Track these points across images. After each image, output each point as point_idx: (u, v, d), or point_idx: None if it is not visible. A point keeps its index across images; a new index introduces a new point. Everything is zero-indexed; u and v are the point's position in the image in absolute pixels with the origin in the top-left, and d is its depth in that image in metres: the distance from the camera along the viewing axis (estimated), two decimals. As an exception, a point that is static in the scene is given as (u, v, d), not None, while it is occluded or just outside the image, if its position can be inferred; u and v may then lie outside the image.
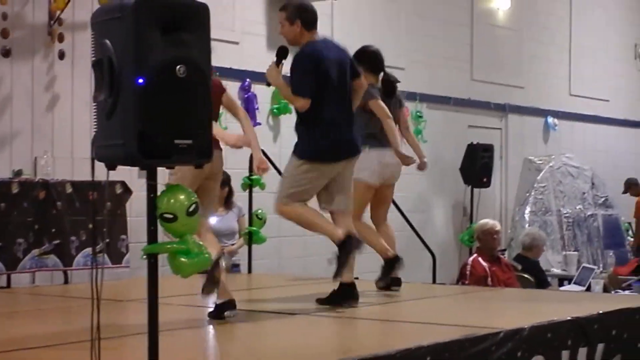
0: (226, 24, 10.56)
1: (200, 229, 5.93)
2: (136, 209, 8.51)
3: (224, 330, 5.83)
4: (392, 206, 10.17)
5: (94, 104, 3.92)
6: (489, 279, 9.21)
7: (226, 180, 9.37)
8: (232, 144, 6.41)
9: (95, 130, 3.93)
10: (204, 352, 5.28)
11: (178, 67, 3.80)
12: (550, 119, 15.95)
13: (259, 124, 10.99)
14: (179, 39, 3.85)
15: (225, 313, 5.89)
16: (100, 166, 3.92)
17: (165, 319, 5.22)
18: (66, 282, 8.46)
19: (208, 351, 5.36)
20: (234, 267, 9.46)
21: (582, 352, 5.66)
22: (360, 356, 4.36)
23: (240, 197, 9.75)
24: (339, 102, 6.51)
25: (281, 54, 6.50)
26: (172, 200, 3.87)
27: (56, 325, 6.00)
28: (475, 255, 9.67)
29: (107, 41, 3.79)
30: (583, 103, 16.71)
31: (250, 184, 9.65)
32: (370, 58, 7.59)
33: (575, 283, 10.78)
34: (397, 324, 6.16)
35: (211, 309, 5.99)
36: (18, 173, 8.45)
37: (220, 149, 6.17)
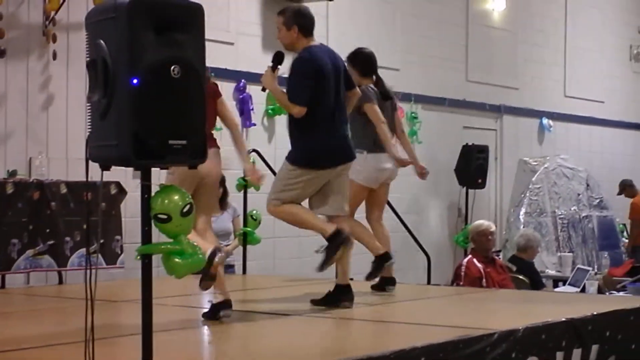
0: (221, 24, 10.55)
1: (204, 227, 5.95)
2: (131, 209, 8.51)
3: (218, 330, 5.83)
4: (387, 207, 10.21)
5: (88, 104, 3.92)
6: (484, 280, 9.21)
7: (221, 181, 9.37)
8: None
9: (89, 130, 3.92)
10: (198, 352, 5.27)
11: (172, 67, 3.80)
12: (545, 120, 15.97)
13: (254, 124, 11.00)
14: (173, 40, 3.85)
15: (220, 313, 5.88)
16: (95, 167, 3.92)
17: (160, 320, 5.21)
18: (61, 282, 8.45)
19: (202, 352, 5.36)
20: (229, 268, 9.44)
21: (577, 353, 5.66)
22: (355, 357, 4.36)
23: (235, 198, 9.75)
24: (334, 108, 6.49)
25: (277, 59, 6.49)
26: (166, 201, 3.86)
27: (50, 326, 5.99)
28: (470, 256, 9.67)
29: (102, 41, 3.79)
30: (578, 104, 16.73)
31: (245, 185, 9.64)
32: (363, 61, 7.59)
33: (569, 284, 10.79)
34: (391, 325, 6.16)
35: (206, 310, 5.97)
36: (12, 173, 8.45)
37: (218, 147, 6.16)
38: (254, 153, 9.80)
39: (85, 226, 8.13)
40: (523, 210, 14.65)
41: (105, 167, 3.90)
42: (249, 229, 9.54)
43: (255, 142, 10.68)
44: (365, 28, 12.29)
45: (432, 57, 13.71)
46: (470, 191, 13.80)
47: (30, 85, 8.99)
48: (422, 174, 8.12)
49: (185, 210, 3.88)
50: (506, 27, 15.14)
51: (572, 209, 15.43)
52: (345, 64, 6.86)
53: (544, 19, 16.17)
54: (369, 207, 7.72)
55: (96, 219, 7.32)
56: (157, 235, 3.91)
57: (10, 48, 8.80)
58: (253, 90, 10.67)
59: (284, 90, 6.43)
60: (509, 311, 7.01)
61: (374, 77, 7.65)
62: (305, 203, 6.63)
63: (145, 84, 3.74)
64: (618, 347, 6.04)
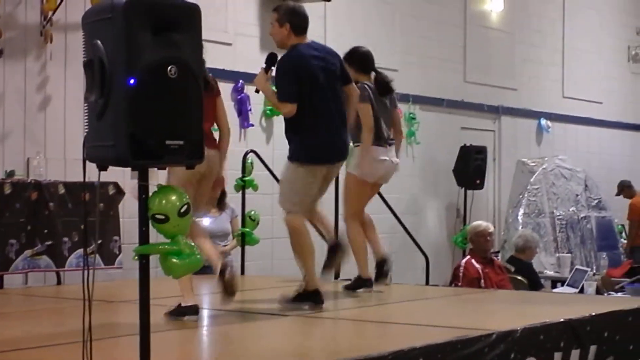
0: (219, 25, 10.56)
1: (196, 233, 5.94)
2: (129, 210, 8.50)
3: (216, 331, 5.83)
4: (384, 207, 10.23)
5: (85, 104, 3.91)
6: (482, 280, 9.21)
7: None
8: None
9: (86, 131, 3.92)
10: (196, 353, 5.27)
11: (169, 67, 3.79)
12: (543, 121, 15.97)
13: (252, 125, 10.99)
14: (170, 40, 3.84)
15: (185, 318, 5.81)
16: (93, 167, 3.91)
17: (158, 320, 5.22)
18: (59, 283, 8.45)
19: (200, 352, 5.36)
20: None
21: (575, 354, 5.66)
22: (353, 357, 4.35)
23: (233, 199, 9.74)
24: (327, 105, 6.49)
25: (270, 60, 6.51)
26: (163, 201, 3.86)
27: (48, 326, 5.99)
28: (468, 257, 9.67)
29: (98, 41, 3.78)
30: (576, 105, 16.73)
31: (243, 185, 9.64)
32: (360, 59, 7.60)
33: (568, 285, 10.78)
34: (389, 326, 6.15)
35: (171, 308, 5.87)
36: (10, 174, 8.44)
37: (217, 149, 6.16)
38: (252, 154, 9.80)
39: (83, 227, 8.13)
40: (521, 211, 14.65)
41: (102, 167, 3.89)
42: (247, 229, 9.53)
43: (253, 142, 10.68)
44: (363, 29, 12.29)
45: (430, 58, 13.71)
46: (469, 192, 13.81)
47: (28, 86, 8.99)
48: None
49: (182, 210, 3.88)
50: (504, 28, 15.14)
51: (571, 209, 15.42)
52: (342, 61, 6.88)
53: (541, 19, 16.17)
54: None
55: (94, 219, 7.31)
56: (155, 236, 3.91)
57: (8, 48, 8.80)
58: (251, 90, 10.65)
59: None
60: (507, 312, 7.01)
61: (372, 74, 7.65)
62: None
63: (142, 85, 3.73)
64: (616, 348, 6.04)
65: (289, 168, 6.56)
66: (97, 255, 8.18)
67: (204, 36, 4.09)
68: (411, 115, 13.20)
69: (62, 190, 8.26)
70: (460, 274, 9.33)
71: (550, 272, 13.12)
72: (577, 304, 7.43)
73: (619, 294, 10.04)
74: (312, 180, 6.51)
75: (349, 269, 7.64)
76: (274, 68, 6.49)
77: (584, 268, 11.86)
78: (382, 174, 7.62)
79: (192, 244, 4.03)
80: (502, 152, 15.20)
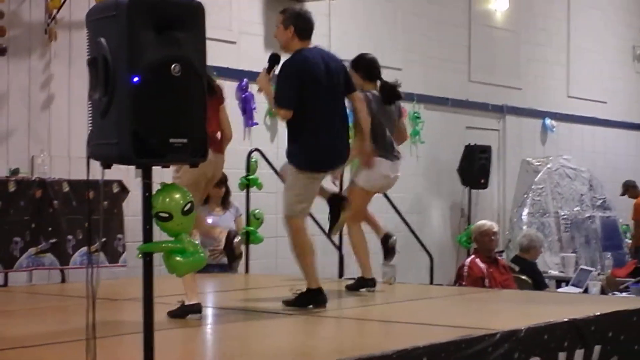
0: (223, 23, 10.55)
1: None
2: (133, 208, 8.50)
3: (219, 329, 5.83)
4: (389, 207, 10.22)
5: (89, 102, 3.91)
6: (486, 280, 9.20)
7: (223, 180, 9.36)
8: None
9: (90, 129, 3.92)
10: (199, 351, 5.27)
11: (173, 65, 3.79)
12: (548, 121, 15.95)
13: (256, 123, 10.99)
14: (173, 38, 3.84)
15: (188, 316, 5.83)
16: (97, 165, 3.91)
17: (161, 318, 5.22)
18: (63, 280, 8.46)
19: (204, 350, 5.35)
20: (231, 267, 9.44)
21: (579, 353, 5.65)
22: (357, 356, 4.35)
23: (237, 197, 9.74)
24: (329, 111, 6.49)
25: (273, 60, 6.51)
26: (167, 199, 3.85)
27: (52, 324, 5.99)
28: (472, 256, 9.66)
29: (102, 39, 3.78)
30: (581, 105, 16.71)
31: (247, 184, 9.64)
32: (365, 65, 7.56)
33: (572, 285, 10.76)
34: (393, 325, 6.15)
35: (173, 308, 5.88)
36: (15, 172, 8.44)
37: (223, 153, 6.19)
38: (256, 152, 9.79)
39: (87, 224, 8.13)
40: (526, 211, 14.64)
41: (106, 165, 3.89)
42: (251, 228, 9.52)
43: (258, 141, 10.67)
44: (367, 27, 12.28)
45: (435, 57, 13.70)
46: (473, 191, 13.80)
47: (32, 84, 8.99)
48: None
49: (186, 208, 3.87)
50: (509, 27, 15.12)
51: (575, 209, 15.41)
52: (347, 67, 6.86)
53: (546, 18, 16.15)
54: None
55: (98, 217, 7.31)
56: (159, 234, 3.91)
57: (12, 46, 8.80)
58: (255, 89, 10.65)
59: None
60: (511, 311, 7.00)
61: (378, 82, 7.61)
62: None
63: (146, 83, 3.73)
64: (620, 348, 6.03)
65: (290, 175, 6.54)
66: (101, 253, 8.18)
67: (207, 34, 4.08)
68: (415, 114, 13.19)
69: (66, 188, 8.27)
70: (465, 274, 9.32)
71: (554, 272, 13.10)
72: (582, 303, 7.42)
73: (624, 294, 10.03)
74: (313, 186, 6.53)
75: (353, 269, 7.64)
76: (277, 67, 6.49)
77: (589, 268, 11.83)
78: (383, 187, 7.67)
79: (196, 242, 4.02)
80: (507, 152, 15.18)
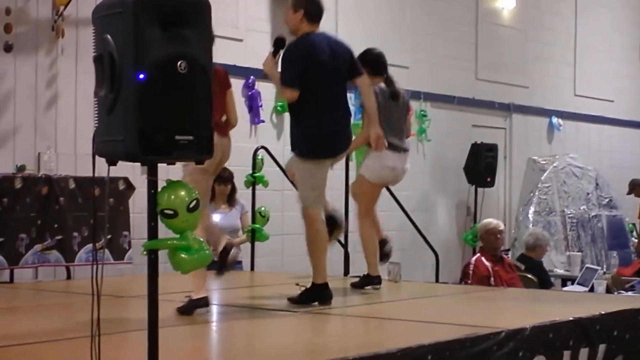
0: (230, 21, 10.55)
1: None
2: (139, 205, 8.49)
3: (225, 327, 5.83)
4: (395, 205, 10.21)
5: (95, 99, 3.91)
6: (492, 278, 9.20)
7: (229, 178, 9.37)
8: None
9: (96, 125, 3.92)
10: (204, 348, 5.27)
11: (179, 62, 3.78)
12: (554, 119, 15.93)
13: (263, 121, 10.99)
14: (179, 35, 3.84)
15: (196, 310, 5.84)
16: (103, 162, 3.91)
17: (166, 315, 5.22)
18: (68, 277, 8.46)
19: (209, 348, 5.36)
20: (237, 264, 9.45)
21: (584, 352, 5.64)
22: (362, 354, 4.35)
23: (243, 195, 9.74)
24: (332, 95, 6.50)
25: (278, 44, 6.51)
26: (172, 197, 3.85)
27: (57, 321, 6.00)
28: (478, 254, 9.66)
29: (108, 36, 3.78)
30: (587, 103, 16.68)
31: (253, 181, 9.64)
32: (373, 60, 7.56)
33: (578, 284, 10.76)
34: (398, 323, 6.14)
35: (182, 304, 5.91)
36: (21, 168, 8.45)
37: (228, 136, 6.22)
38: (262, 150, 9.80)
39: (92, 221, 8.14)
40: (532, 209, 14.62)
41: (111, 162, 3.89)
42: (257, 225, 9.53)
43: (264, 139, 10.67)
44: (374, 25, 12.27)
45: (442, 55, 13.69)
46: (479, 189, 13.78)
47: (39, 81, 9.00)
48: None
49: (191, 205, 3.87)
50: (516, 26, 15.11)
51: (581, 208, 15.39)
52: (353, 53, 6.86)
53: (553, 17, 16.12)
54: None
55: (104, 214, 7.32)
56: (164, 231, 3.91)
57: (19, 43, 8.81)
58: (262, 86, 10.67)
59: None
60: (516, 310, 7.00)
61: (385, 76, 7.62)
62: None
63: (152, 80, 3.73)
64: (626, 347, 6.02)
65: (299, 166, 6.56)
66: (107, 250, 8.20)
67: (214, 32, 4.08)
68: (422, 112, 13.18)
69: (72, 185, 8.28)
70: (470, 272, 9.32)
71: (560, 271, 13.08)
72: (587, 302, 7.41)
73: (629, 293, 10.00)
74: (320, 173, 6.54)
75: (358, 267, 7.64)
76: (282, 51, 6.49)
77: (594, 267, 11.82)
78: (389, 180, 7.65)
79: (201, 239, 4.02)
80: (513, 150, 15.17)
